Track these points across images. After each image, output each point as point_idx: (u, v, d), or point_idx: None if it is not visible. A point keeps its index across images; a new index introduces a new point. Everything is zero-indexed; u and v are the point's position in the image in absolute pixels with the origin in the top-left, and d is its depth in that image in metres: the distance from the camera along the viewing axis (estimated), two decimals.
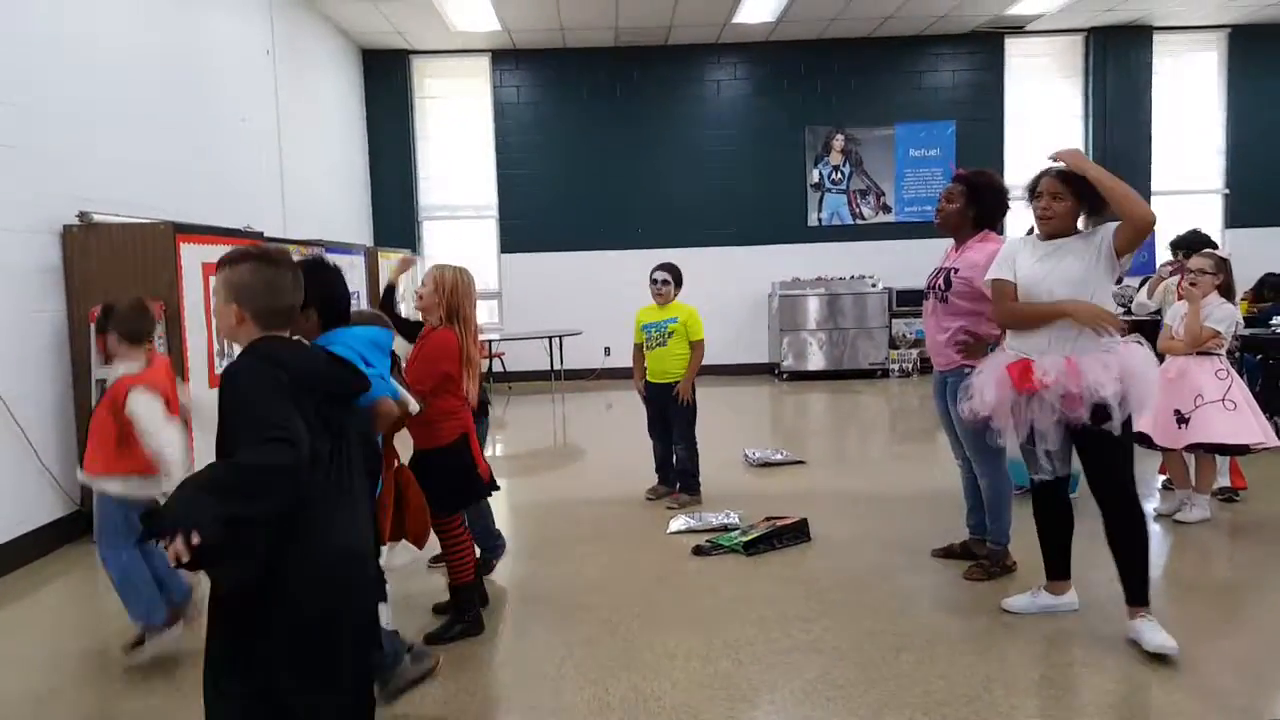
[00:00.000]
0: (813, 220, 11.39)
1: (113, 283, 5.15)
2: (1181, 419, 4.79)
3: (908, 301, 11.11)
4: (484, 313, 11.42)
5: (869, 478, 6.32)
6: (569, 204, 11.19)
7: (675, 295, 5.62)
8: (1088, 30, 11.08)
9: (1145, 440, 4.81)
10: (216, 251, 5.58)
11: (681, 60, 11.17)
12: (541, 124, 11.23)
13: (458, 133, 11.28)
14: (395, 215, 11.10)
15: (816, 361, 10.91)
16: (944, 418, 4.28)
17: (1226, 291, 5.04)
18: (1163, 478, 5.37)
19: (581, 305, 11.05)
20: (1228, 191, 11.48)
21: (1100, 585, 3.78)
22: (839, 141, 11.28)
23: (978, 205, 4.14)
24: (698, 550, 4.66)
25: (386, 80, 10.97)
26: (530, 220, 11.21)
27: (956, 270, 4.08)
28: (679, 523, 5.09)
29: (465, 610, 3.73)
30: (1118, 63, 11.09)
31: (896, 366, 11.03)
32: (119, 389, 3.42)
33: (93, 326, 4.20)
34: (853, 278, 11.02)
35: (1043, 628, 3.56)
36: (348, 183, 10.30)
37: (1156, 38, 11.11)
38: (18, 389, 4.75)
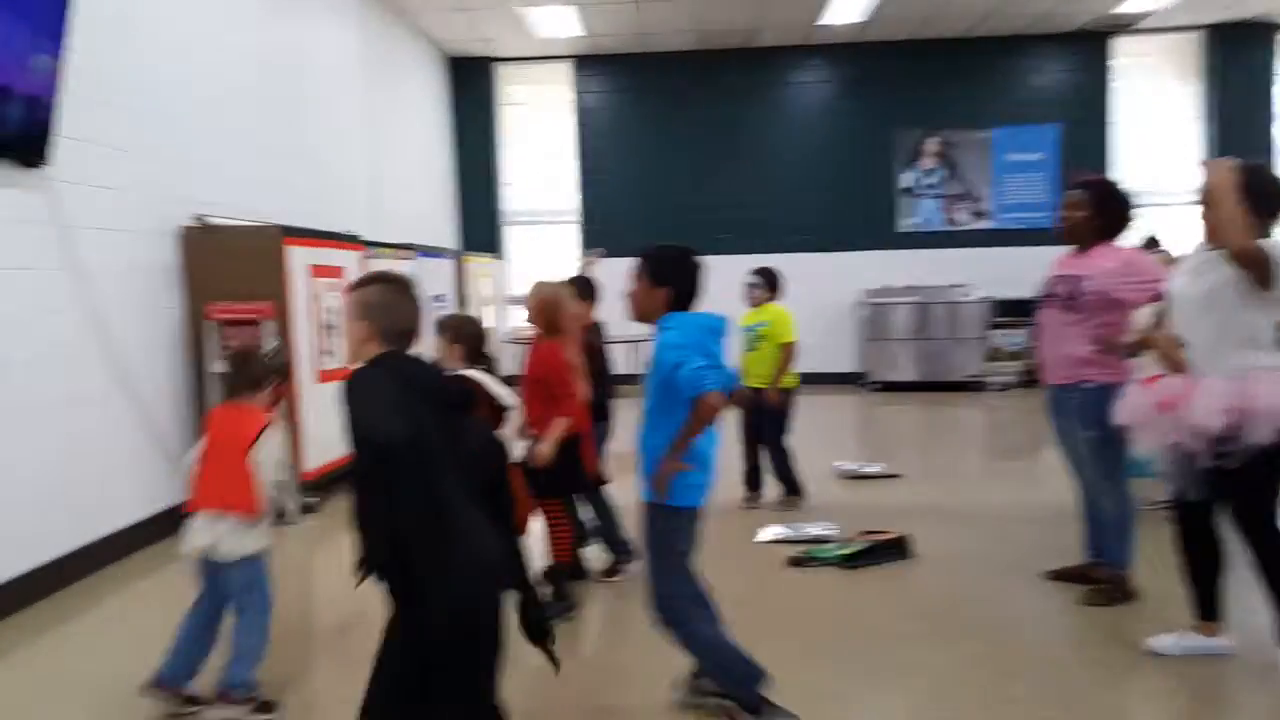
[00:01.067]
0: (903, 226, 11.14)
1: (225, 282, 5.35)
2: None
3: (1007, 312, 10.76)
4: None
5: (968, 494, 6.12)
6: (651, 208, 11.15)
7: (769, 299, 5.58)
8: (1205, 28, 10.58)
9: None
10: (320, 254, 5.76)
11: (765, 62, 11.05)
12: (623, 128, 11.25)
13: (540, 138, 11.39)
14: (480, 220, 11.25)
15: (906, 372, 10.64)
16: (1061, 434, 4.09)
17: None
18: None
19: None
20: None
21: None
22: (932, 145, 11.00)
23: (1104, 212, 3.97)
24: (794, 561, 4.57)
25: (471, 88, 11.13)
26: (612, 225, 11.21)
27: (1085, 278, 3.87)
28: (771, 532, 5.02)
29: (560, 591, 3.89)
30: (1237, 62, 10.56)
31: (994, 380, 10.67)
32: None
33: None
34: (947, 286, 10.73)
35: (1176, 662, 3.34)
36: (435, 188, 10.49)
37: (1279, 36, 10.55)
38: (145, 379, 4.99)
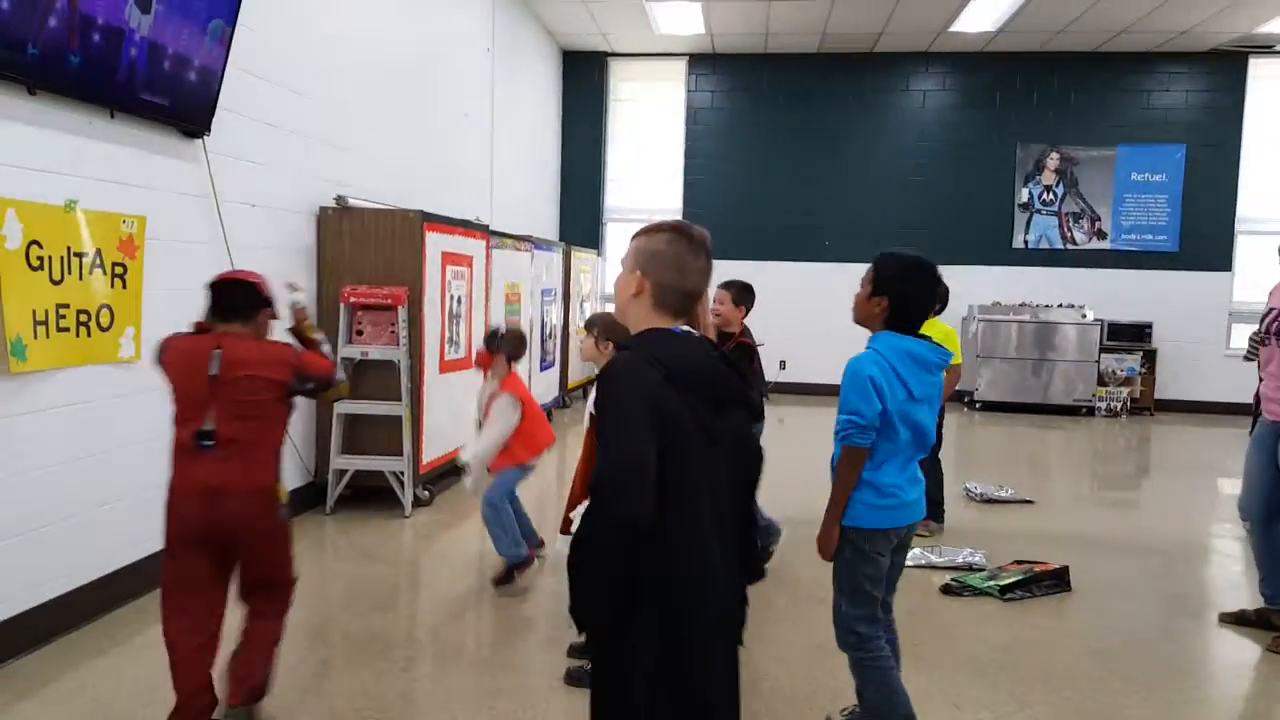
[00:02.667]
0: (1018, 242, 10.75)
1: (361, 265, 5.28)
2: None
3: (1119, 335, 10.35)
4: None
5: (1111, 524, 5.81)
6: (755, 212, 10.94)
7: (935, 313, 5.38)
8: None
9: None
10: (453, 242, 5.65)
11: (886, 69, 10.76)
12: (733, 130, 11.05)
13: (648, 135, 11.24)
14: (582, 215, 11.16)
15: (1014, 392, 10.26)
16: (1260, 472, 3.80)
17: None
18: None
19: (760, 317, 10.74)
20: None
21: None
22: (1053, 160, 10.60)
23: None
24: (946, 589, 4.34)
25: (583, 81, 11.05)
26: (713, 227, 10.89)
27: None
28: (913, 555, 4.77)
29: None
30: None
31: (1104, 405, 10.24)
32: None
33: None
34: (1060, 306, 10.33)
35: None
36: (541, 180, 10.41)
37: None
38: None
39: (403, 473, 5.28)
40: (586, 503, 2.97)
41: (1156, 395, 10.45)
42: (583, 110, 11.09)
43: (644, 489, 1.70)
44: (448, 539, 5.12)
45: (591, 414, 3.24)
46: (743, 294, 4.55)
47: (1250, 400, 4.27)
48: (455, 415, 5.88)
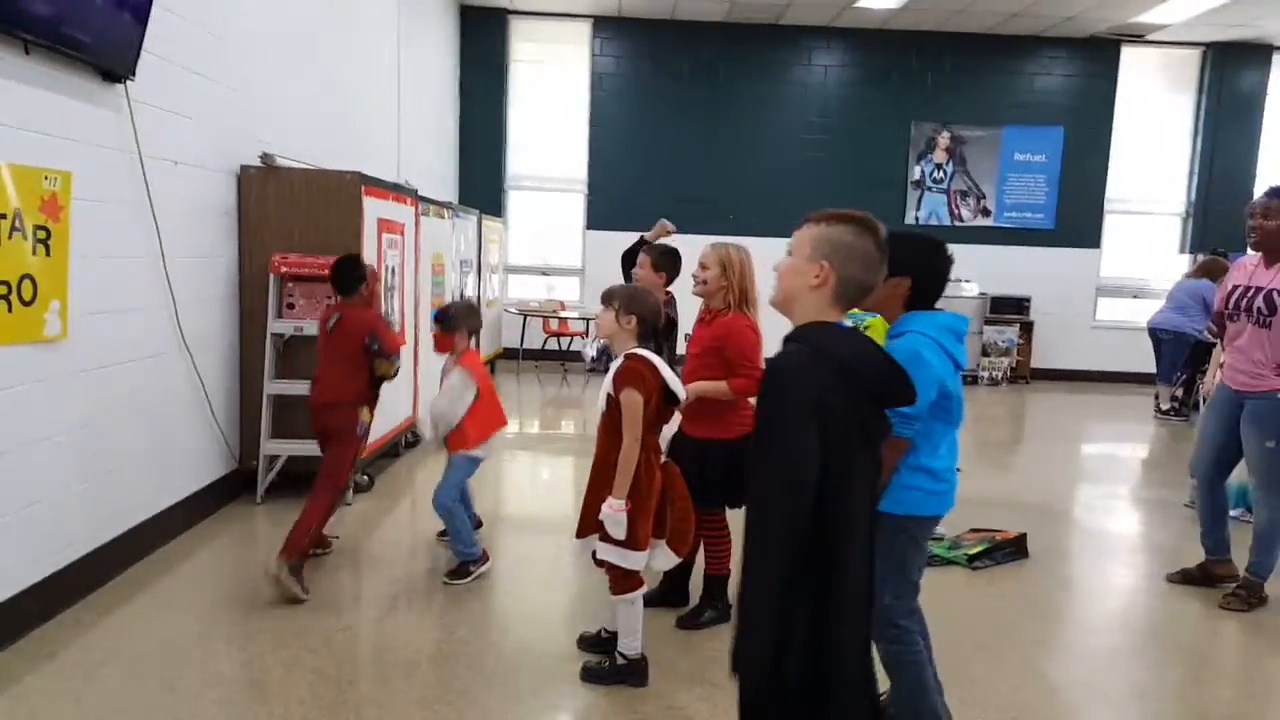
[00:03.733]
0: (910, 218, 11.10)
1: (290, 231, 4.83)
2: None
3: (1001, 308, 10.88)
4: (568, 290, 11.10)
5: (1037, 488, 6.11)
6: (662, 183, 10.81)
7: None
8: (1207, 45, 10.80)
9: None
10: (387, 207, 5.26)
11: (792, 42, 10.81)
12: (639, 97, 10.85)
13: (550, 101, 10.89)
14: (481, 181, 10.71)
15: None
16: (1214, 434, 4.08)
17: None
18: None
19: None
20: None
21: None
22: (944, 139, 10.97)
23: None
24: None
25: (482, 39, 10.56)
26: (620, 197, 10.83)
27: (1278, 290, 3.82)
28: None
29: (717, 598, 3.58)
30: (1232, 80, 10.83)
31: (986, 375, 10.78)
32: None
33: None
34: (950, 280, 10.72)
35: None
36: (441, 143, 9.91)
37: (1276, 58, 10.84)
38: (191, 337, 4.38)
39: None
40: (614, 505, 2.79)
41: (1032, 364, 11.08)
42: (482, 71, 10.61)
43: (804, 492, 1.65)
44: (393, 525, 4.80)
45: (609, 394, 3.04)
46: (664, 259, 4.19)
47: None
48: (393, 396, 5.51)
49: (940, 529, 4.78)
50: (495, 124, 10.71)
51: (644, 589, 3.09)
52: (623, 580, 3.03)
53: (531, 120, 10.89)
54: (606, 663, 3.10)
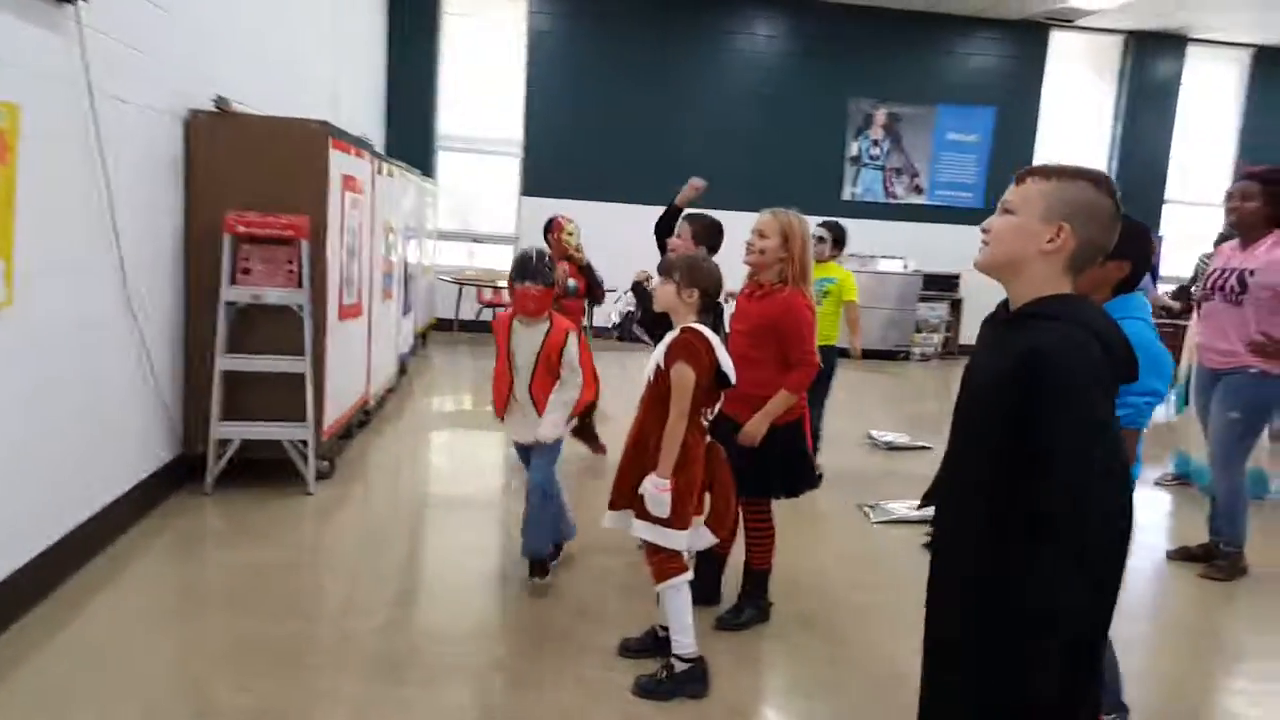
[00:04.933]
0: (847, 194, 11.07)
1: (247, 186, 4.28)
2: None
3: (933, 285, 11.01)
4: (500, 258, 10.61)
5: None
6: (599, 150, 10.44)
7: (835, 256, 5.43)
8: (1129, 33, 11.12)
9: None
10: (350, 163, 4.79)
11: (732, 9, 10.55)
12: (577, 59, 10.40)
13: (485, 59, 10.32)
14: (410, 141, 10.07)
15: (842, 339, 10.60)
16: (1205, 413, 4.19)
17: None
18: None
19: (606, 261, 10.30)
20: None
21: None
22: (881, 116, 10.96)
23: (1275, 204, 3.95)
24: (929, 547, 4.26)
25: None
26: (556, 163, 10.40)
27: (1253, 271, 3.93)
28: (883, 513, 4.69)
29: (759, 597, 3.35)
30: (1150, 68, 11.19)
31: (919, 351, 10.90)
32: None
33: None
34: (885, 257, 10.78)
35: None
36: (371, 99, 9.25)
37: (1190, 49, 11.25)
38: (138, 305, 3.81)
39: (305, 442, 4.41)
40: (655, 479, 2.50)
41: (960, 340, 11.28)
42: (412, 22, 9.94)
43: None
44: (366, 516, 4.36)
45: (659, 366, 2.75)
46: (706, 232, 3.86)
47: None
48: (351, 372, 5.05)
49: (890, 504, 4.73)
50: (425, 80, 10.09)
51: (689, 575, 2.82)
52: (666, 564, 2.77)
53: (465, 78, 10.30)
54: (662, 673, 2.81)
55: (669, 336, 2.80)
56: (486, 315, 10.21)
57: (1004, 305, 1.70)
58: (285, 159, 4.29)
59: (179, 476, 4.33)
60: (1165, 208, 11.46)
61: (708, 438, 2.89)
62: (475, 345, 9.70)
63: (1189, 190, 11.57)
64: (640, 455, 2.79)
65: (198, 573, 3.56)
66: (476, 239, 10.66)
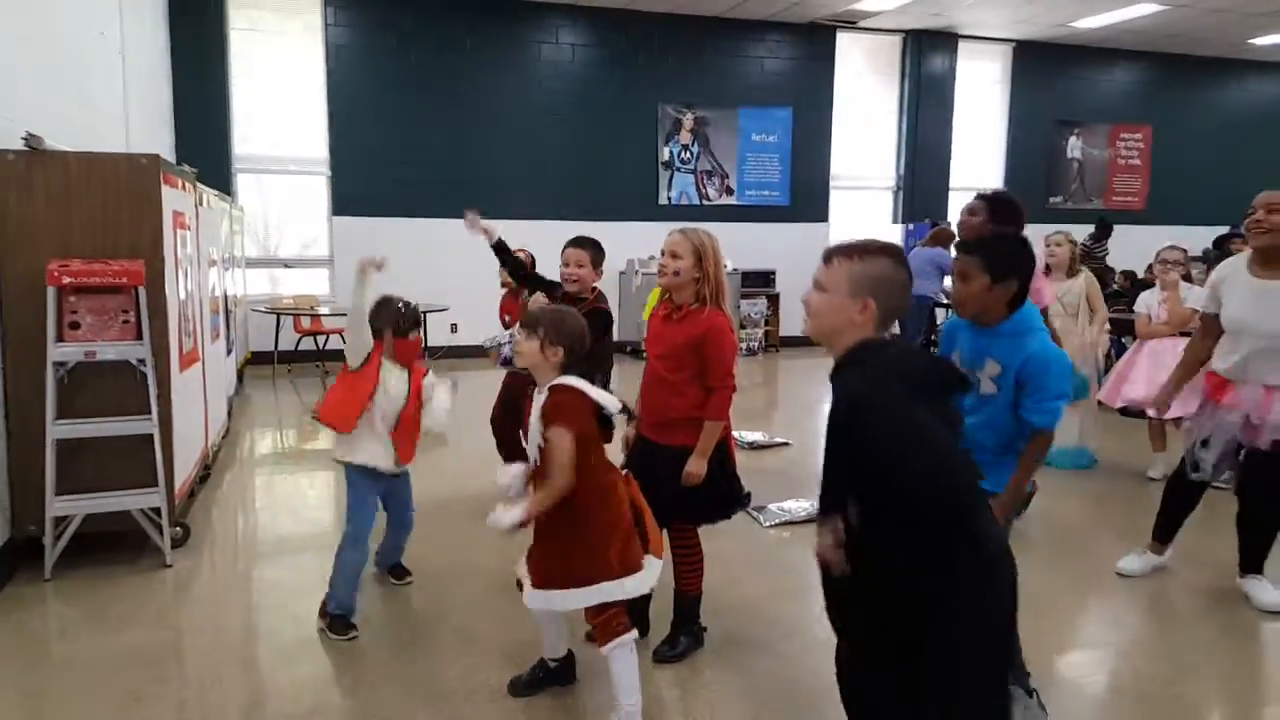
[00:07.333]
0: (663, 199, 11.30)
1: (66, 232, 3.81)
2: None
3: (752, 282, 11.46)
4: (314, 282, 10.03)
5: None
6: (409, 165, 10.09)
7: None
8: (907, 32, 12.03)
9: (1140, 413, 5.46)
10: (177, 197, 4.38)
11: (537, 19, 10.50)
12: (378, 73, 9.98)
13: (283, 76, 9.70)
14: (205, 164, 9.23)
15: None
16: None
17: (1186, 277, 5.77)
18: None
19: (426, 278, 9.93)
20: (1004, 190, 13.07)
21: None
22: (689, 120, 11.27)
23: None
24: None
25: (192, 4, 9.13)
26: (367, 181, 9.96)
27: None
28: (772, 515, 4.79)
29: (692, 622, 3.28)
30: (928, 65, 12.15)
31: (745, 346, 11.31)
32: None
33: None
34: None
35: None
36: (156, 124, 8.45)
37: (961, 45, 12.31)
38: None
39: (157, 509, 3.97)
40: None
41: (781, 333, 11.82)
42: (197, 39, 9.17)
43: (961, 487, 1.75)
44: (231, 584, 3.98)
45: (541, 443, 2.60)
46: (600, 253, 3.83)
47: None
48: (193, 425, 4.60)
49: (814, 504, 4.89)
50: (217, 101, 9.34)
51: (635, 633, 2.68)
52: (612, 621, 2.61)
53: (261, 96, 9.63)
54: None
55: (538, 402, 2.63)
56: (306, 345, 9.62)
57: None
58: (112, 199, 3.84)
59: (9, 564, 3.79)
60: (950, 195, 12.48)
61: (623, 470, 2.83)
62: (297, 376, 9.12)
63: (969, 177, 12.65)
64: (552, 533, 2.62)
65: (46, 674, 3.11)
66: (286, 264, 10.01)
